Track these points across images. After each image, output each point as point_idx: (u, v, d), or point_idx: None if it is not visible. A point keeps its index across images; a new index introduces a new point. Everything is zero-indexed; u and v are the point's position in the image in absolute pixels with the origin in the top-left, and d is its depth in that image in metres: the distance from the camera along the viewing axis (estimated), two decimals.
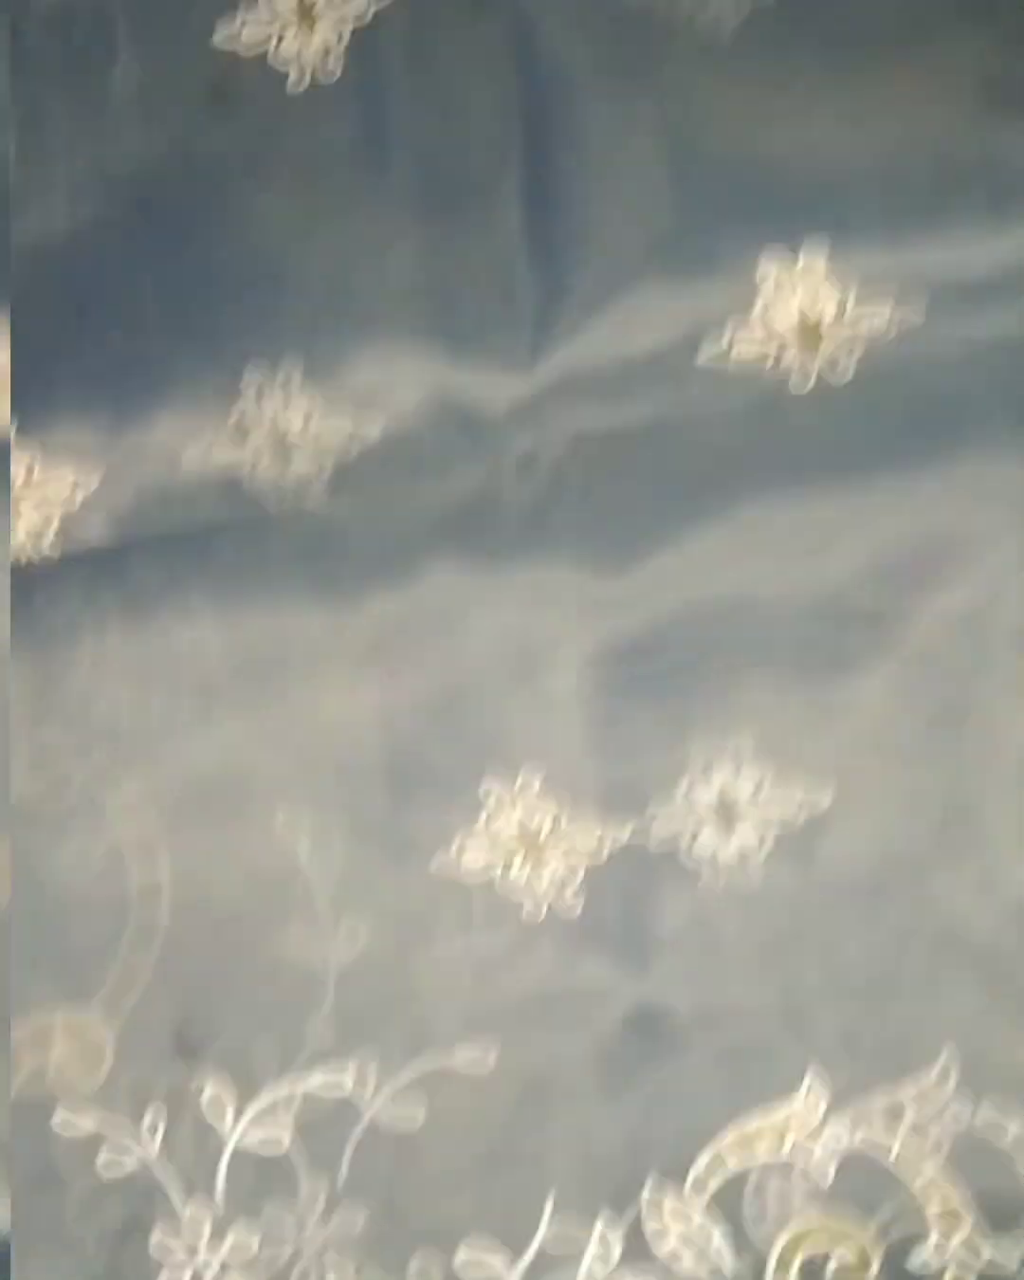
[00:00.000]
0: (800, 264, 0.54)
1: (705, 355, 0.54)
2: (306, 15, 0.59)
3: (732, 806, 0.53)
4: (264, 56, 0.60)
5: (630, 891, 0.53)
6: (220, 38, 0.61)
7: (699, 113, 0.55)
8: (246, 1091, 0.54)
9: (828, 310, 0.53)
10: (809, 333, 0.53)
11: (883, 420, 0.53)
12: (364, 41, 0.59)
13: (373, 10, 0.59)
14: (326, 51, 0.59)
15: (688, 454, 0.55)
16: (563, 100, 0.57)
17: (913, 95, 0.54)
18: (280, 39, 0.60)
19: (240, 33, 0.60)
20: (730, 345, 0.54)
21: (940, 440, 0.53)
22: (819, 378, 0.54)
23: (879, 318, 0.53)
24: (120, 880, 0.56)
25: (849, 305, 0.53)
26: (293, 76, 0.59)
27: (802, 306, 0.53)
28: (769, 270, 0.54)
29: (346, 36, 0.58)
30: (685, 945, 0.52)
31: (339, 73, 0.59)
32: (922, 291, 0.54)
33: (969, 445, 0.53)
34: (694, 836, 0.53)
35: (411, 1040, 0.53)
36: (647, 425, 0.55)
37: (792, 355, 0.54)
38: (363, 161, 0.59)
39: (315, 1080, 0.53)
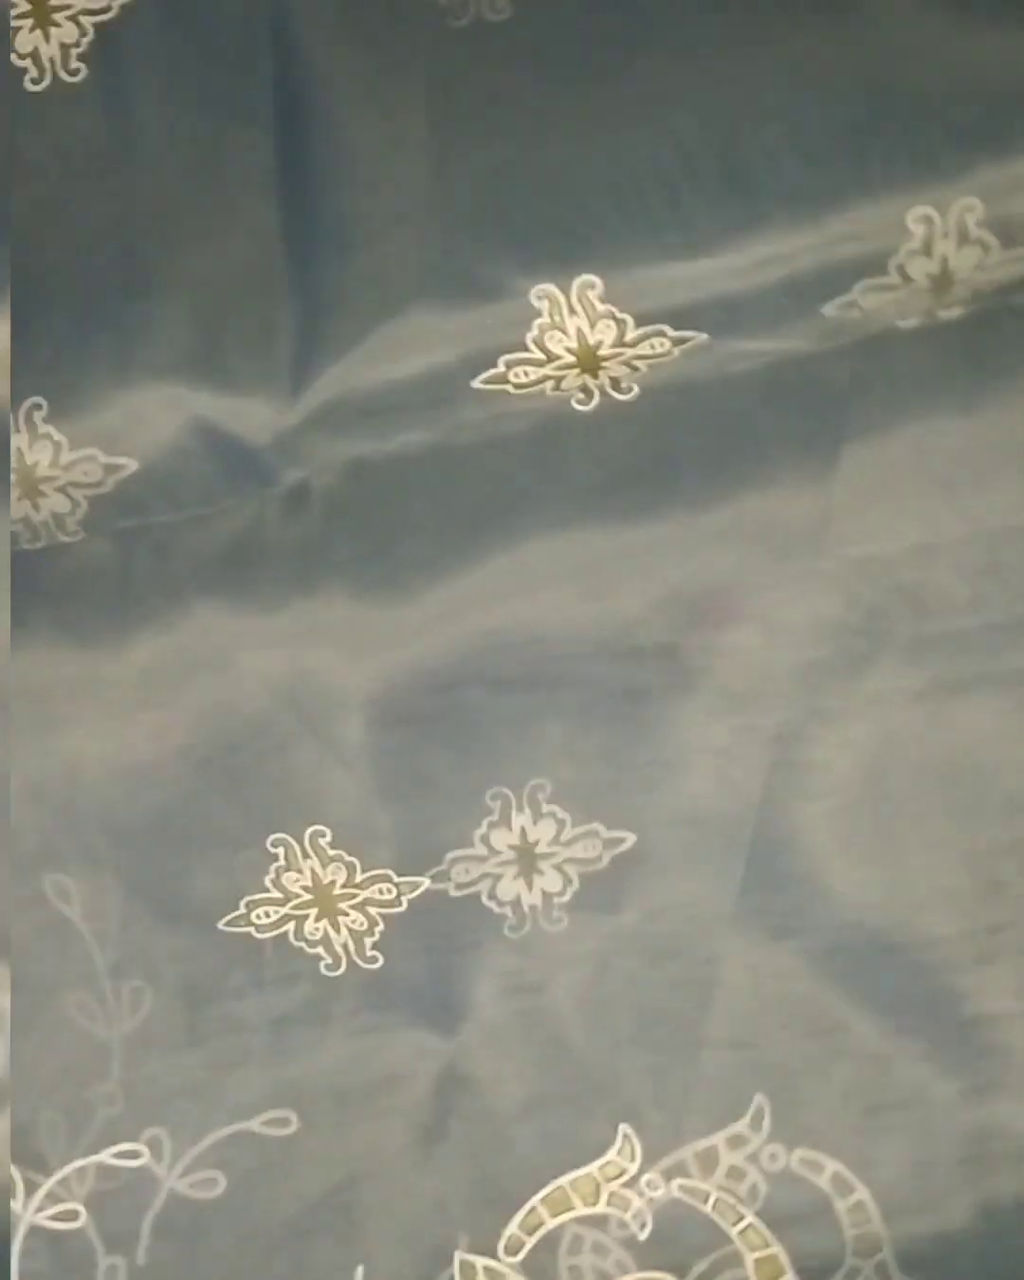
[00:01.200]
0: (577, 285, 0.50)
1: (481, 379, 0.51)
2: (43, 10, 0.54)
3: (532, 850, 0.50)
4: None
5: (432, 943, 0.50)
6: None
7: (466, 116, 0.51)
8: (37, 1168, 0.51)
9: (606, 333, 0.50)
10: (588, 355, 0.50)
11: (667, 445, 0.51)
12: (108, 39, 0.54)
13: (118, 4, 0.54)
14: (67, 49, 0.54)
15: (469, 480, 0.52)
16: (321, 107, 0.52)
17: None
18: (15, 35, 0.55)
19: None
20: (507, 368, 0.51)
21: (726, 461, 0.50)
22: (602, 400, 0.51)
23: (659, 340, 0.51)
24: None
25: (628, 327, 0.50)
26: (32, 73, 0.54)
27: (579, 329, 0.50)
28: (545, 291, 0.51)
29: (91, 32, 0.54)
30: (490, 997, 0.50)
31: (83, 71, 0.54)
32: (700, 309, 0.51)
33: (753, 466, 0.50)
34: (495, 883, 0.50)
35: (206, 1109, 0.51)
36: (423, 451, 0.52)
37: (571, 378, 0.51)
38: (109, 170, 0.54)
39: (108, 1153, 0.51)
